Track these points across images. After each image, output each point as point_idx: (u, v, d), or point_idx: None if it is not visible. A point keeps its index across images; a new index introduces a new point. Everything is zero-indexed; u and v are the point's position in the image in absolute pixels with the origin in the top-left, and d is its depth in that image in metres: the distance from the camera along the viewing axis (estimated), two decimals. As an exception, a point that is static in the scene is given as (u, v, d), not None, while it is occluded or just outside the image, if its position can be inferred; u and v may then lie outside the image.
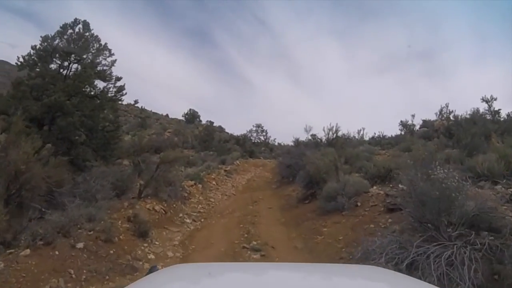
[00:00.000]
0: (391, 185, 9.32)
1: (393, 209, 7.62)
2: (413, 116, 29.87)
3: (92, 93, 11.39)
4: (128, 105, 55.41)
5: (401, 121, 29.13)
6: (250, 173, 20.16)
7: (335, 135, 21.98)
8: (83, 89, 11.22)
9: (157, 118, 50.56)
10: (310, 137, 20.76)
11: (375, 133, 27.39)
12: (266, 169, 22.81)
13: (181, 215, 9.31)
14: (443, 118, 26.47)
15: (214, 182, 14.36)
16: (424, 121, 28.13)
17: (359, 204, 8.24)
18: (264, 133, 36.27)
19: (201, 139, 34.21)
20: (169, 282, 1.30)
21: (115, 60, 13.01)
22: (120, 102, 12.34)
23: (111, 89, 12.09)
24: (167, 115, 53.57)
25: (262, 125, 36.06)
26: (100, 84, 12.45)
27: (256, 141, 35.64)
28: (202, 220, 9.60)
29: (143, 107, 54.22)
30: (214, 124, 48.33)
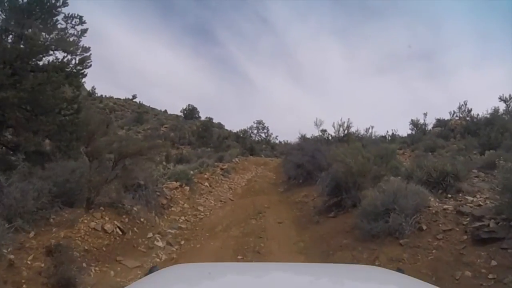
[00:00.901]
0: (459, 198, 6.16)
1: (485, 239, 4.51)
2: (425, 114, 26.55)
3: (40, 64, 8.18)
4: (126, 100, 52.37)
5: (412, 120, 25.92)
6: (250, 172, 16.96)
7: (346, 131, 18.86)
8: (30, 59, 8.06)
9: (155, 114, 47.26)
10: (320, 133, 17.58)
11: (387, 131, 24.20)
12: (269, 168, 19.61)
13: (150, 235, 6.04)
14: (459, 117, 23.63)
15: (206, 184, 11.19)
16: (438, 120, 25.24)
17: (424, 227, 5.07)
18: (265, 130, 33.05)
19: (198, 135, 30.98)
20: (169, 282, 1.23)
21: (86, 30, 9.85)
22: (82, 78, 9.05)
23: (72, 62, 8.93)
24: (165, 111, 50.37)
25: (263, 121, 32.83)
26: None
27: (257, 138, 32.46)
28: (182, 242, 6.30)
29: (141, 102, 51.10)
30: (214, 121, 45.30)
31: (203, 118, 40.10)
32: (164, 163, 13.86)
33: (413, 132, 24.97)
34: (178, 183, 9.23)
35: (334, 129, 18.21)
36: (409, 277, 1.30)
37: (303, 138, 19.69)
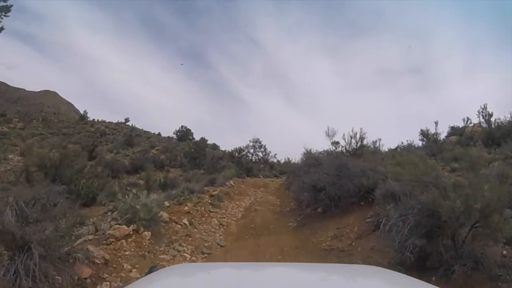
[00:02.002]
0: None
1: None
2: (436, 123, 22.78)
3: None
4: (118, 123, 48.75)
5: (422, 130, 22.29)
6: (248, 197, 13.02)
7: (359, 143, 15.16)
8: None
9: (148, 137, 43.44)
10: (332, 146, 13.83)
11: (400, 143, 20.54)
12: (270, 191, 15.68)
13: None
14: (477, 124, 20.13)
15: (185, 221, 7.21)
16: (452, 127, 21.76)
17: None
18: (262, 149, 29.23)
19: (190, 157, 27.08)
20: (169, 282, 1.19)
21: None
22: None
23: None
24: (159, 133, 46.72)
25: (260, 140, 29.07)
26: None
27: (253, 158, 28.65)
28: None
29: (133, 125, 47.52)
30: (209, 142, 41.56)
31: (197, 139, 36.33)
32: (134, 191, 9.96)
33: (424, 142, 21.36)
34: (131, 227, 5.34)
35: (345, 141, 14.53)
36: (409, 277, 1.22)
37: (308, 153, 15.94)
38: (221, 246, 6.46)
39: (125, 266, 4.40)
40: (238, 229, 7.91)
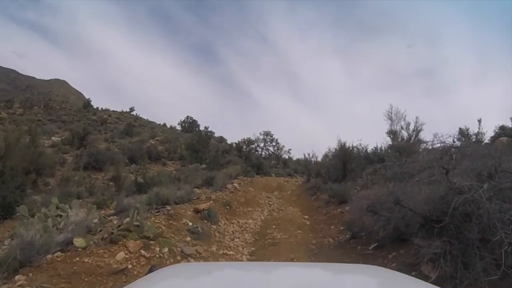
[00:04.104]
0: None
1: None
2: (479, 121, 17.12)
3: None
4: (122, 112, 44.32)
5: (461, 129, 16.83)
6: (259, 209, 8.12)
7: (414, 136, 10.14)
8: None
9: (152, 127, 38.79)
10: (389, 135, 8.77)
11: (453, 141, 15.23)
12: (287, 197, 10.77)
13: None
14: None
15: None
16: (501, 127, 16.23)
17: None
18: (274, 143, 24.16)
19: (192, 149, 22.26)
20: (169, 282, 1.10)
21: None
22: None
23: None
24: (164, 124, 42.14)
25: (271, 133, 23.99)
26: None
27: (264, 153, 23.64)
28: None
29: (138, 115, 43.07)
30: (215, 135, 36.71)
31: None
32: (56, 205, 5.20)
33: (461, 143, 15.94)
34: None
35: (405, 131, 9.48)
36: (409, 277, 1.16)
37: (342, 146, 10.93)
38: None
39: None
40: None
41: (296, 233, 6.13)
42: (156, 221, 4.85)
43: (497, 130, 16.05)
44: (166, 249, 3.93)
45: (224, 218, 6.36)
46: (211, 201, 6.91)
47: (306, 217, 7.63)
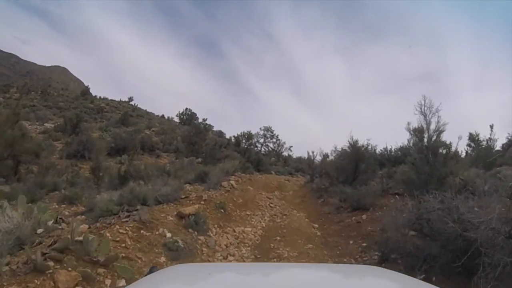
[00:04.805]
0: None
1: None
2: (491, 127, 15.57)
3: None
4: (121, 102, 42.73)
5: (471, 134, 15.33)
6: (260, 213, 6.71)
7: (435, 137, 8.65)
8: None
9: (149, 118, 37.25)
10: (413, 134, 7.33)
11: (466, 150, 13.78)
12: (290, 198, 9.38)
13: None
14: None
15: None
16: None
17: None
18: (274, 139, 22.70)
19: (188, 141, 20.80)
20: (169, 282, 1.07)
21: None
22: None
23: None
24: (162, 115, 40.58)
25: (272, 128, 22.52)
26: None
27: (263, 149, 22.18)
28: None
29: (136, 105, 41.47)
30: (214, 129, 35.19)
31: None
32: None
33: (470, 150, 14.58)
34: None
35: (427, 132, 8.05)
36: (409, 277, 1.14)
37: (354, 145, 9.54)
38: None
39: None
40: None
41: (306, 248, 4.72)
42: (120, 231, 3.44)
43: (510, 138, 14.59)
44: (122, 282, 2.51)
45: (216, 226, 4.95)
46: (202, 202, 5.49)
47: (316, 225, 6.23)
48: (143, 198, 4.71)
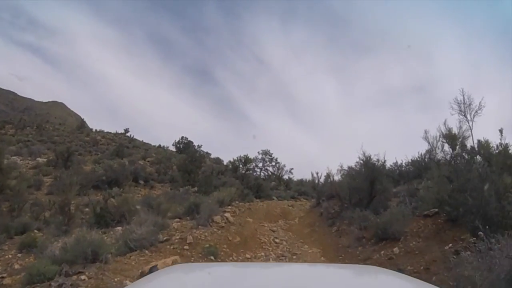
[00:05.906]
0: None
1: None
2: (501, 131, 14.17)
3: None
4: (116, 134, 41.58)
5: (479, 141, 13.96)
6: (262, 253, 5.13)
7: (458, 148, 7.38)
8: None
9: (146, 148, 35.92)
10: (447, 140, 5.99)
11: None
12: (297, 228, 7.81)
13: None
14: None
15: None
16: None
17: None
18: (274, 163, 21.27)
19: (183, 170, 19.32)
20: (169, 282, 1.03)
21: None
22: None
23: None
24: (159, 145, 39.24)
25: (271, 151, 21.19)
26: None
27: (263, 173, 20.69)
28: None
29: (132, 136, 40.30)
30: (212, 156, 33.79)
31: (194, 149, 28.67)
32: None
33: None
34: None
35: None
36: (408, 277, 1.10)
37: (366, 161, 8.17)
38: None
39: None
40: None
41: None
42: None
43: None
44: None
45: None
46: (186, 247, 3.97)
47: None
48: (95, 250, 3.24)
